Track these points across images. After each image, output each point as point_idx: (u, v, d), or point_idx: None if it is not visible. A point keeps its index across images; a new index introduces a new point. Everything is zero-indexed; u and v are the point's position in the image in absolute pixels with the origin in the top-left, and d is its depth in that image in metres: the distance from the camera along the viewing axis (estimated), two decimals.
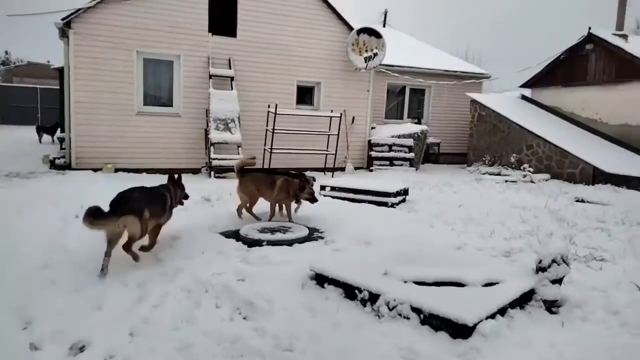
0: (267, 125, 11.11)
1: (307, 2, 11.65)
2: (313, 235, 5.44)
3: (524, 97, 15.77)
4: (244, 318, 3.39)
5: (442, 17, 55.83)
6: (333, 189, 8.14)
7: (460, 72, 15.70)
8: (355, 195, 7.69)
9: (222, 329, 3.22)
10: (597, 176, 10.63)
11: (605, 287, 4.01)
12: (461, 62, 17.71)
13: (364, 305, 3.53)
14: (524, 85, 15.78)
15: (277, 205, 6.07)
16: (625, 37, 13.68)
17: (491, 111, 13.72)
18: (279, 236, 5.14)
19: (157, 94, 11.02)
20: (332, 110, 11.71)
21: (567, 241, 5.44)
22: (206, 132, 10.59)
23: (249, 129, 11.05)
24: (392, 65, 14.22)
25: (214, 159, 9.82)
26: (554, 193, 9.27)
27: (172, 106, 10.95)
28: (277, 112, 10.66)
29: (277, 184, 5.86)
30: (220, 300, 3.62)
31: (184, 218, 5.98)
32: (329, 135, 11.65)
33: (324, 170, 11.56)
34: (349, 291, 3.67)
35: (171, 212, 4.84)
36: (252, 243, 4.98)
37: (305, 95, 12.34)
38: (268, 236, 5.11)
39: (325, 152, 11.49)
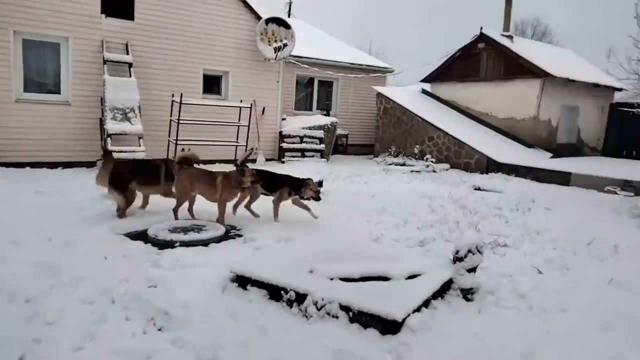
0: (171, 116, 10.42)
1: None
2: (230, 233, 5.17)
3: (424, 91, 16.65)
4: (159, 329, 3.07)
5: (344, 9, 57.00)
6: None
7: (366, 65, 16.10)
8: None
9: (135, 344, 2.87)
10: (490, 166, 11.55)
11: (511, 272, 4.29)
12: (366, 55, 18.19)
13: (291, 306, 3.39)
14: (424, 80, 16.64)
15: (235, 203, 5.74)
16: (511, 37, 14.99)
17: (396, 104, 14.27)
18: (192, 236, 4.80)
19: (42, 79, 9.77)
20: (241, 101, 11.32)
21: (474, 229, 5.78)
22: (101, 122, 9.65)
23: (152, 119, 10.27)
24: (301, 57, 14.14)
25: (112, 151, 8.95)
26: (455, 182, 9.90)
27: (59, 93, 9.77)
28: (182, 102, 10.04)
29: (217, 181, 5.38)
30: (130, 312, 3.25)
31: (78, 219, 5.37)
32: (238, 126, 11.26)
33: (234, 162, 11.17)
34: (274, 292, 3.51)
35: None
36: (163, 245, 4.58)
37: (212, 84, 11.77)
38: (181, 236, 4.74)
39: (236, 144, 11.10)
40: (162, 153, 10.08)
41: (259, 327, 3.12)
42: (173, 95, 10.34)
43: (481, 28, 14.73)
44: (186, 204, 5.58)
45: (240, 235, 5.12)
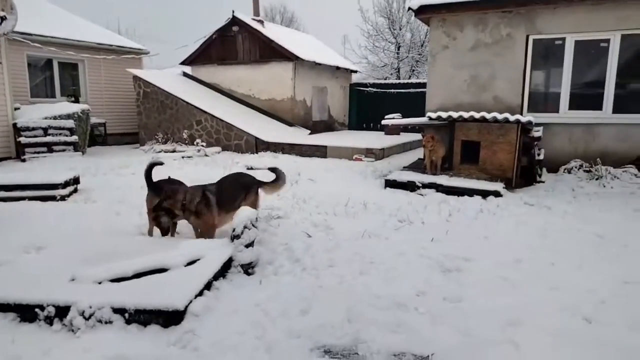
0: None
1: None
2: None
3: (185, 74, 16.21)
4: None
5: None
6: None
7: (117, 46, 14.70)
8: (8, 192, 6.18)
9: None
10: (259, 145, 12.09)
11: (286, 241, 4.58)
12: (116, 35, 16.59)
13: (51, 324, 2.89)
14: (184, 63, 16.16)
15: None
16: (262, 22, 15.80)
17: (157, 88, 13.49)
18: None
19: None
20: None
21: None
22: None
23: None
24: (31, 34, 11.97)
25: None
26: (228, 163, 10.02)
27: None
28: None
29: None
30: None
31: None
32: None
33: None
34: (26, 312, 2.93)
35: None
36: None
37: None
38: None
39: None
40: None
41: (11, 358, 2.55)
42: None
43: (233, 11, 15.05)
44: None
45: None
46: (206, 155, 11.46)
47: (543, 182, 7.65)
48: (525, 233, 5.03)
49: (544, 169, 8.03)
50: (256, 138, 12.09)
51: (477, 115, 7.43)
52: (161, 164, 4.95)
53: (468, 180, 7.17)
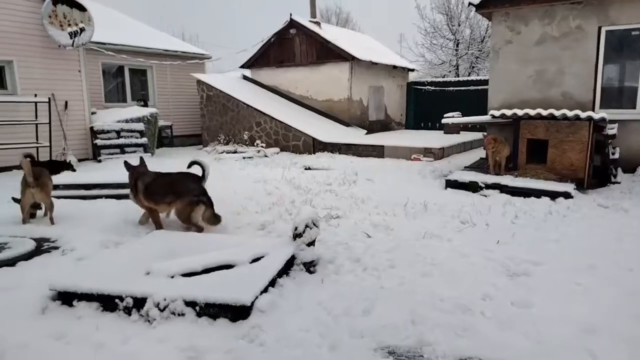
0: None
1: None
2: (43, 246, 4.43)
3: (245, 77, 16.68)
4: None
5: None
6: (56, 187, 6.82)
7: (182, 52, 15.38)
8: (87, 191, 6.67)
9: None
10: (316, 146, 12.23)
11: (346, 240, 4.62)
12: (181, 42, 17.36)
13: (129, 314, 3.08)
14: (243, 66, 16.64)
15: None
16: (318, 24, 15.94)
17: (219, 91, 14.00)
18: None
19: None
20: (35, 95, 9.75)
21: (309, 205, 6.04)
22: None
23: None
24: (105, 43, 12.79)
25: None
26: (286, 164, 10.21)
27: None
28: None
29: None
30: None
31: None
32: (37, 124, 9.70)
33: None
34: (108, 303, 3.14)
35: None
36: None
37: None
38: None
39: (36, 145, 9.55)
40: None
41: (94, 344, 2.76)
42: None
43: (291, 14, 15.29)
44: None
45: (56, 248, 4.43)
46: (266, 156, 11.74)
47: (618, 182, 7.17)
48: (600, 237, 4.74)
49: (619, 169, 7.54)
50: (313, 139, 12.22)
51: (544, 112, 7.09)
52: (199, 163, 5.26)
53: (535, 181, 6.86)
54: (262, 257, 3.70)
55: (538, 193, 6.44)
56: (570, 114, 6.88)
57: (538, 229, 5.08)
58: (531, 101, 8.35)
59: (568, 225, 5.17)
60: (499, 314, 3.09)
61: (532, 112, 7.19)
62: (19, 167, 9.19)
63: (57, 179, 6.90)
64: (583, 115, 6.81)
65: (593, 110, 7.92)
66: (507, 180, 6.92)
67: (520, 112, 7.33)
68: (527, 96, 8.47)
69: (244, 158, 11.25)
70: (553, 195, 6.35)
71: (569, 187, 6.45)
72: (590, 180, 7.02)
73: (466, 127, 13.88)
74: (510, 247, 4.45)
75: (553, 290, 3.47)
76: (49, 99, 9.80)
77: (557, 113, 6.98)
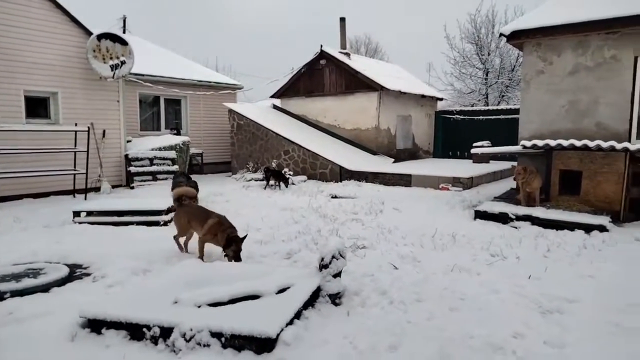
0: None
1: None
2: (75, 273, 4.57)
3: (275, 107, 17.03)
4: None
5: (184, 25, 55.62)
6: (90, 213, 7.08)
7: (215, 82, 15.88)
8: (119, 217, 6.86)
9: None
10: (343, 174, 12.27)
11: (372, 272, 4.57)
12: (214, 72, 17.94)
13: (156, 343, 3.11)
14: (274, 96, 17.04)
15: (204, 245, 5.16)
16: (348, 55, 16.23)
17: (249, 120, 14.31)
18: (27, 282, 4.11)
19: None
20: (76, 124, 10.20)
21: (335, 235, 6.03)
22: None
23: None
24: (143, 75, 13.34)
25: None
26: (313, 192, 10.26)
27: None
28: None
29: (208, 222, 5.05)
30: None
31: None
32: (75, 152, 10.11)
33: (73, 192, 10.00)
34: (135, 331, 3.19)
35: None
36: None
37: (39, 107, 10.38)
38: (12, 285, 4.03)
39: (74, 172, 9.93)
40: None
41: None
42: None
43: (321, 46, 15.64)
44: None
45: (88, 274, 4.55)
46: (293, 184, 11.82)
47: None
48: (638, 273, 4.54)
49: None
50: (340, 167, 12.27)
51: (578, 143, 6.94)
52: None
53: (568, 213, 6.66)
54: (288, 287, 3.70)
55: (571, 226, 6.24)
56: (605, 144, 6.71)
57: (572, 263, 4.91)
58: (563, 131, 8.19)
59: (604, 260, 4.97)
60: (531, 353, 2.98)
61: (565, 143, 7.05)
62: (58, 193, 9.60)
63: (89, 204, 7.16)
64: (619, 146, 6.63)
65: (629, 141, 7.69)
66: (539, 212, 6.75)
67: (552, 143, 7.19)
68: (559, 126, 8.32)
69: (271, 186, 11.36)
70: (587, 228, 6.14)
71: (604, 220, 6.23)
72: (627, 213, 6.77)
73: (495, 157, 13.68)
74: (543, 282, 4.31)
75: (588, 329, 3.32)
76: (88, 128, 10.23)
77: (591, 144, 6.82)
